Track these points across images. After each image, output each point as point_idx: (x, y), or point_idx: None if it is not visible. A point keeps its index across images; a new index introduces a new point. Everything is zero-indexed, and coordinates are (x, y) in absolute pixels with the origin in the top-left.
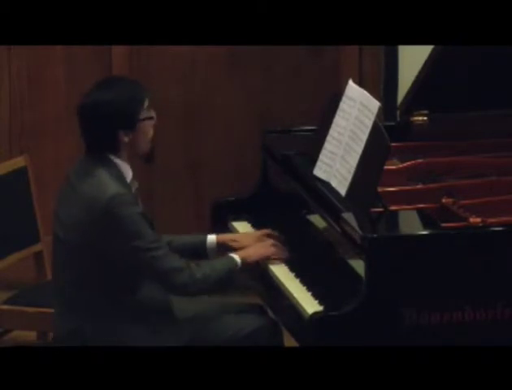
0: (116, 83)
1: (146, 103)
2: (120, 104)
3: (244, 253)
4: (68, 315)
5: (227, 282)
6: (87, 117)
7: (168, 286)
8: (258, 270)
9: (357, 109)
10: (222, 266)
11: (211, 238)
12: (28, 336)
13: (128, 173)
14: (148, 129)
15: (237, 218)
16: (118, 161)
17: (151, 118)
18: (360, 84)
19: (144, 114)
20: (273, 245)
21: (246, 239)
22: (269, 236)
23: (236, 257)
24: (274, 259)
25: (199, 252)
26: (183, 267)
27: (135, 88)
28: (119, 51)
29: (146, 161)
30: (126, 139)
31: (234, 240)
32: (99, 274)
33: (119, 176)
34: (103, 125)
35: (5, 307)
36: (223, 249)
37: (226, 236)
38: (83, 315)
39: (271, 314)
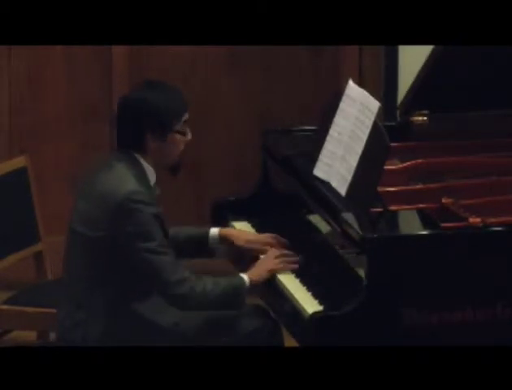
0: (162, 88)
1: (185, 117)
2: (156, 108)
3: (252, 273)
4: (74, 311)
5: (232, 302)
6: (123, 110)
7: (167, 296)
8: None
9: (357, 109)
10: (227, 283)
11: (214, 231)
12: (28, 336)
13: (152, 177)
14: (178, 143)
15: (237, 218)
16: (144, 162)
17: (184, 133)
18: (360, 84)
19: (177, 127)
20: (279, 257)
21: (251, 236)
22: (272, 242)
23: (244, 276)
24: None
25: (202, 245)
26: (185, 279)
27: (178, 99)
28: (119, 51)
29: (171, 173)
30: (153, 144)
31: (238, 237)
32: (109, 272)
33: (142, 176)
34: (133, 122)
35: (5, 307)
36: (226, 242)
37: (228, 231)
38: (88, 312)
39: (271, 313)
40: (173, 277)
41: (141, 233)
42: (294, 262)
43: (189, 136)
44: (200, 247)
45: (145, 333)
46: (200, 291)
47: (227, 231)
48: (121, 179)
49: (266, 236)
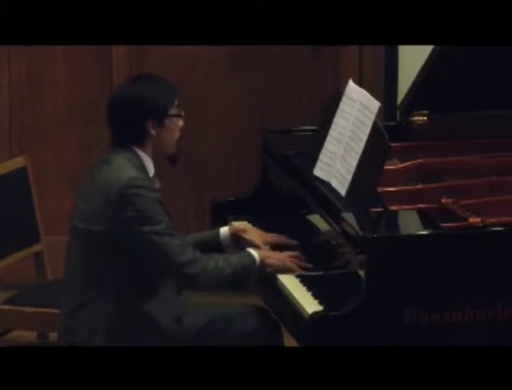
0: (147, 77)
1: (177, 101)
2: (151, 94)
3: (265, 253)
4: (76, 310)
5: (243, 279)
6: (117, 107)
7: (179, 277)
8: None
9: (357, 109)
10: (237, 260)
11: (224, 230)
12: (28, 336)
13: (151, 169)
14: (175, 128)
15: (237, 218)
16: (142, 154)
17: (180, 115)
18: (360, 84)
19: (173, 111)
20: (294, 258)
21: (255, 232)
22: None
23: (255, 254)
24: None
25: (214, 246)
26: (196, 259)
27: (167, 84)
28: (119, 51)
29: (171, 162)
30: (153, 131)
31: (244, 231)
32: (113, 268)
33: (141, 166)
34: (130, 115)
35: (5, 307)
36: (236, 239)
37: (237, 227)
38: (91, 310)
39: (271, 313)
40: (184, 257)
41: (146, 217)
42: (305, 268)
43: (182, 122)
44: (212, 248)
45: (147, 329)
46: (211, 270)
47: (237, 226)
48: (120, 169)
49: (275, 236)
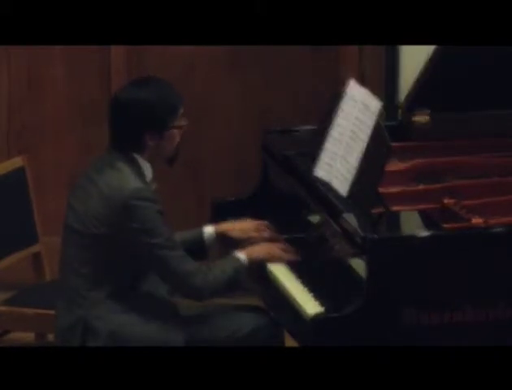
0: (155, 84)
1: (181, 111)
2: (154, 106)
3: (250, 251)
4: (72, 307)
5: (235, 283)
6: (117, 111)
7: (182, 290)
8: (258, 271)
9: (358, 109)
10: (229, 266)
11: (208, 230)
12: (26, 337)
13: (149, 173)
14: (175, 136)
15: (237, 218)
16: (140, 159)
17: (181, 127)
18: (360, 84)
19: (175, 122)
20: (281, 248)
21: (245, 225)
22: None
23: (241, 255)
24: (278, 261)
25: (198, 246)
26: (197, 271)
27: (172, 94)
28: (118, 51)
29: (168, 164)
30: (151, 142)
31: (233, 229)
32: (111, 268)
33: (140, 174)
34: (131, 123)
35: (3, 308)
36: (224, 239)
37: (224, 226)
38: (87, 306)
39: (271, 314)
40: (185, 270)
41: (149, 229)
42: (293, 255)
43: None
44: (196, 249)
45: (148, 324)
46: (212, 280)
47: (222, 228)
48: (123, 177)
49: (257, 223)
